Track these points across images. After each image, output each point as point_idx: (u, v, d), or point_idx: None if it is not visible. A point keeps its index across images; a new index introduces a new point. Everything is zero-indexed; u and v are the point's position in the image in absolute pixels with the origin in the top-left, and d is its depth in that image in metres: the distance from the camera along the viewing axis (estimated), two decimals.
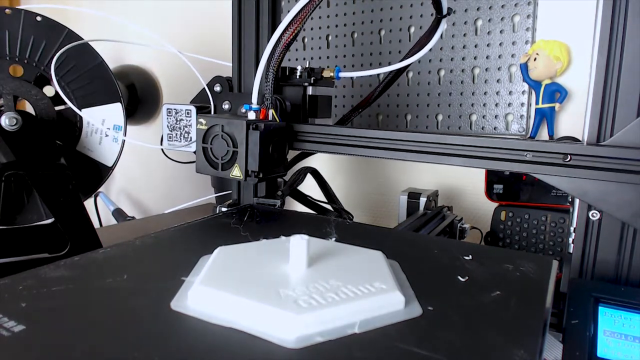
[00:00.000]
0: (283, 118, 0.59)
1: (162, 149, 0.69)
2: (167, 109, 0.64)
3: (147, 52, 1.33)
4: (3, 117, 0.55)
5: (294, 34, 0.51)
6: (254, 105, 0.54)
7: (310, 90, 0.64)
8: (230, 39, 0.65)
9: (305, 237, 0.31)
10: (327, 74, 0.63)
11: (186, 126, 0.63)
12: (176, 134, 0.64)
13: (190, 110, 0.63)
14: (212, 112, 0.66)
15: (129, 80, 1.32)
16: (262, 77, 0.54)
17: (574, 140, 0.66)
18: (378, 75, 0.91)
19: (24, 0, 1.59)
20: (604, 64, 0.41)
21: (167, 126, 0.65)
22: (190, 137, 0.63)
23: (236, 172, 0.51)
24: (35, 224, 0.63)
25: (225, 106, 0.65)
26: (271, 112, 0.55)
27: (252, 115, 0.53)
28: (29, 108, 0.63)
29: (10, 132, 0.55)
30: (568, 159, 0.42)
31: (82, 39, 0.65)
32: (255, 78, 0.54)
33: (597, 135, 0.42)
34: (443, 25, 0.59)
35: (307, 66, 0.64)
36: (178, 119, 0.64)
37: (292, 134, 0.58)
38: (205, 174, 0.54)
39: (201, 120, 0.53)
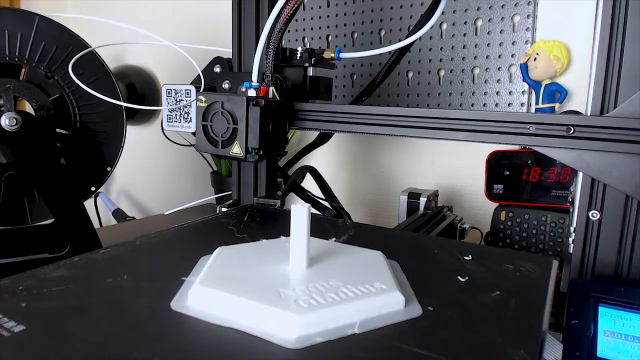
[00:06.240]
0: (283, 97, 0.58)
1: (162, 131, 0.68)
2: (167, 89, 0.63)
3: (146, 52, 1.34)
4: (3, 117, 0.55)
5: (294, 8, 0.50)
6: (254, 83, 0.53)
7: (310, 71, 0.63)
8: (230, 25, 0.63)
9: (307, 205, 0.31)
10: (327, 54, 0.62)
11: (186, 106, 0.62)
12: (176, 115, 0.63)
13: (190, 90, 0.62)
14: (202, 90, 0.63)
15: (129, 80, 1.32)
16: (262, 54, 0.53)
17: (577, 113, 0.65)
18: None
19: (24, 1, 1.59)
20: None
21: (167, 107, 0.64)
22: (190, 118, 0.62)
23: (236, 149, 0.51)
24: (36, 224, 0.63)
25: (225, 85, 0.63)
26: (271, 89, 0.54)
27: (252, 93, 0.53)
28: (29, 108, 0.63)
29: (10, 132, 0.55)
30: (571, 131, 0.42)
31: (76, 33, 0.65)
32: (256, 55, 0.54)
33: (601, 108, 0.41)
34: (444, 2, 0.57)
35: (307, 47, 0.63)
36: (178, 100, 0.63)
37: (293, 113, 0.57)
38: (205, 152, 0.53)
39: (201, 97, 0.52)
